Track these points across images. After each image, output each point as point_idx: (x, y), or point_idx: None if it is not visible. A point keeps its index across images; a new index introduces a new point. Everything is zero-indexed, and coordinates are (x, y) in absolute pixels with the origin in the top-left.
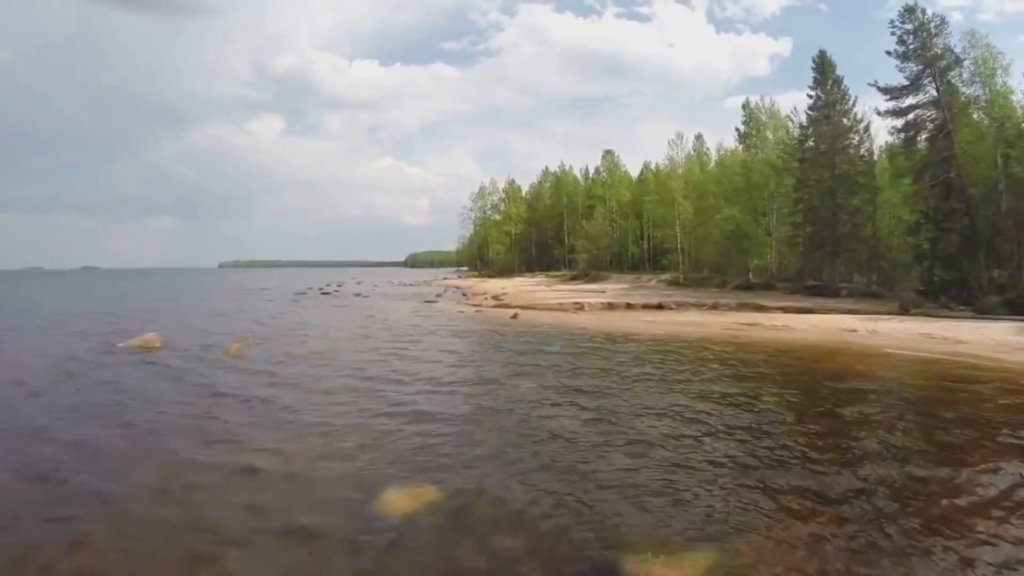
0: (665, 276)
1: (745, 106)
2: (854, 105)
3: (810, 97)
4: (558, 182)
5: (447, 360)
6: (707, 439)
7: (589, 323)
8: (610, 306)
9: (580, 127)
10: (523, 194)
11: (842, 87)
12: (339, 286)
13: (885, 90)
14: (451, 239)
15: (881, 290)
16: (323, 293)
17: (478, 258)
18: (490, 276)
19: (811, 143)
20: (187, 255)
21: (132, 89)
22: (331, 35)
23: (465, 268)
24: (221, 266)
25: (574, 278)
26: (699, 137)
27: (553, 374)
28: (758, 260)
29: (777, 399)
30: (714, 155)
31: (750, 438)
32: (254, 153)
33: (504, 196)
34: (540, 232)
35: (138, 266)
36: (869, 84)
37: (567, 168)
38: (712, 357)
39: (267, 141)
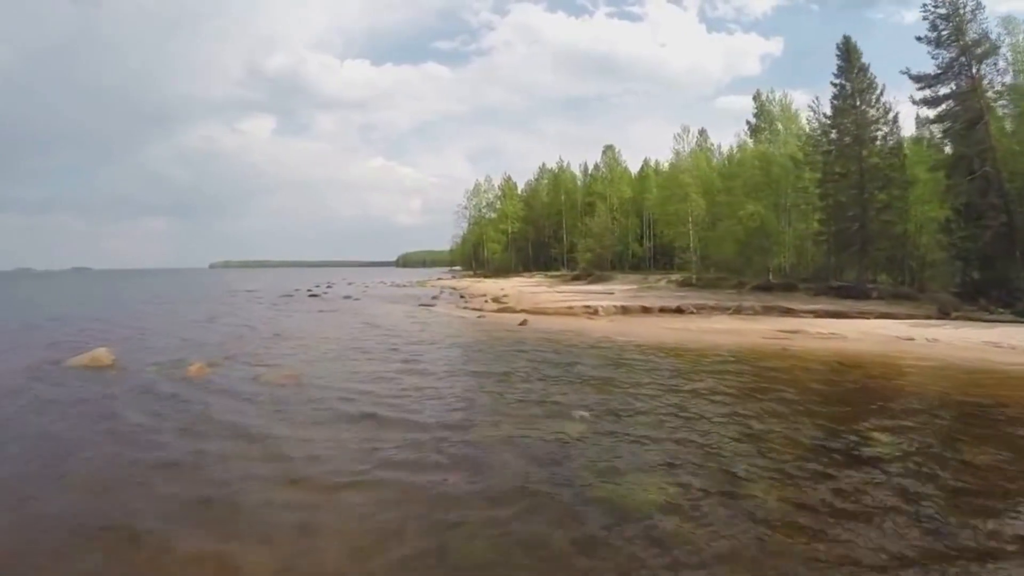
0: (675, 276)
1: (756, 98)
2: (881, 94)
3: (834, 86)
4: (556, 179)
5: (457, 385)
6: (853, 510)
7: (609, 331)
8: (624, 310)
9: (573, 127)
10: (519, 192)
11: (868, 75)
12: (329, 287)
13: (918, 78)
14: (443, 239)
15: (912, 291)
16: (311, 295)
17: (473, 258)
18: (486, 276)
19: (835, 135)
20: (180, 255)
21: (127, 89)
22: (323, 35)
23: (459, 268)
24: (212, 266)
25: (576, 278)
26: (703, 132)
27: (595, 402)
28: (777, 259)
29: (892, 435)
30: (718, 151)
31: (916, 502)
32: (246, 153)
33: (500, 193)
34: (537, 231)
35: (130, 267)
36: (901, 72)
37: (565, 164)
38: (775, 375)
39: (259, 141)
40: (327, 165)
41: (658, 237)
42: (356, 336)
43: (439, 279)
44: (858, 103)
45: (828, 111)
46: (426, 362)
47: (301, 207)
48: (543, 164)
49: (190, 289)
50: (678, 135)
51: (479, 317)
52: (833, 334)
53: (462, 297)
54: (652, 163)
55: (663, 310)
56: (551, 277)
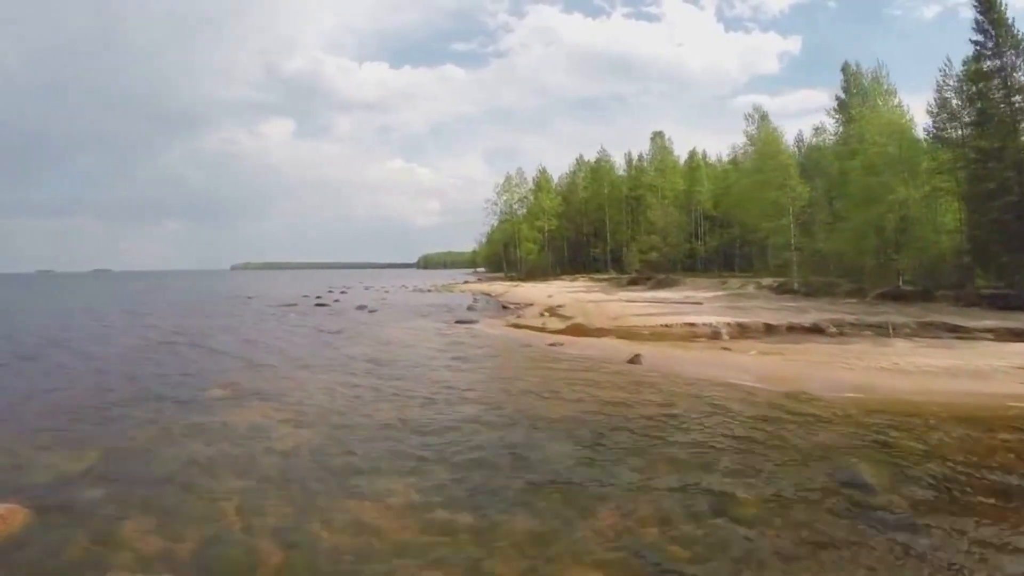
0: (766, 281)
1: (844, 69)
2: None
3: (975, 44)
4: (596, 171)
5: None
6: None
7: (779, 375)
8: (742, 329)
9: (589, 127)
10: (554, 185)
11: (1014, 33)
12: (343, 292)
13: None
14: (462, 240)
15: None
16: (318, 304)
17: (504, 258)
18: (520, 279)
19: (980, 105)
20: (200, 257)
21: (144, 93)
22: (340, 37)
23: (483, 269)
24: (233, 268)
25: (633, 282)
26: (765, 116)
27: None
28: (907, 258)
29: None
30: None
31: None
32: (265, 156)
33: (534, 187)
34: (576, 228)
35: (151, 269)
36: None
37: (607, 155)
38: None
39: (278, 144)
40: (345, 167)
41: (708, 235)
42: (365, 394)
43: (466, 282)
44: (1004, 66)
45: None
46: (511, 486)
47: (320, 209)
48: (580, 155)
49: (189, 294)
50: (748, 115)
51: (551, 346)
52: None
53: (505, 308)
54: (700, 153)
55: (793, 329)
56: (598, 280)
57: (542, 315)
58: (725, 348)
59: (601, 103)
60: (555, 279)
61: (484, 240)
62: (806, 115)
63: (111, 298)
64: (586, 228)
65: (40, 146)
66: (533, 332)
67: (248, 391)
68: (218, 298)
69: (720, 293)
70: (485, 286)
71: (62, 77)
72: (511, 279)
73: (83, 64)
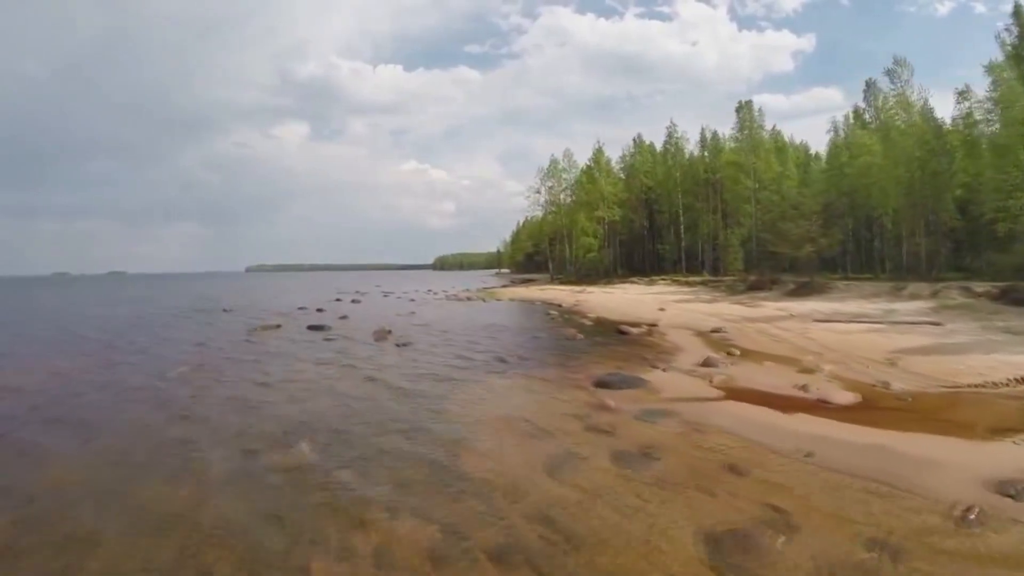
0: (982, 287)
1: (1017, 12)
2: None
3: None
4: (662, 155)
5: None
6: None
7: None
8: None
9: (603, 128)
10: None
11: None
12: (355, 300)
13: None
14: (477, 241)
15: None
16: (312, 327)
17: (549, 257)
18: (575, 283)
19: None
20: (216, 259)
21: (159, 98)
22: (353, 41)
23: (507, 270)
24: (248, 270)
25: (754, 287)
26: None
27: None
28: None
29: None
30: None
31: None
32: (280, 159)
33: (588, 171)
34: (639, 221)
35: (166, 271)
36: None
37: (680, 133)
38: None
39: (292, 147)
40: (360, 169)
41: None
42: None
43: (504, 286)
44: None
45: None
46: None
47: (335, 210)
48: (639, 134)
49: (165, 303)
50: (894, 69)
51: None
52: None
53: (623, 332)
54: (771, 129)
55: None
56: (690, 284)
57: (729, 354)
58: None
59: (615, 103)
60: (621, 282)
61: (510, 239)
62: (823, 113)
63: (73, 308)
64: (649, 220)
65: (59, 150)
66: (841, 424)
67: None
68: (189, 311)
69: (918, 304)
70: (536, 291)
71: (80, 84)
72: (562, 282)
73: (99, 70)
